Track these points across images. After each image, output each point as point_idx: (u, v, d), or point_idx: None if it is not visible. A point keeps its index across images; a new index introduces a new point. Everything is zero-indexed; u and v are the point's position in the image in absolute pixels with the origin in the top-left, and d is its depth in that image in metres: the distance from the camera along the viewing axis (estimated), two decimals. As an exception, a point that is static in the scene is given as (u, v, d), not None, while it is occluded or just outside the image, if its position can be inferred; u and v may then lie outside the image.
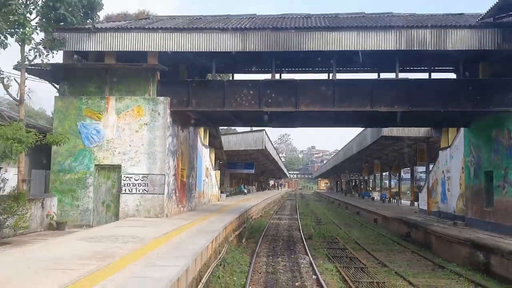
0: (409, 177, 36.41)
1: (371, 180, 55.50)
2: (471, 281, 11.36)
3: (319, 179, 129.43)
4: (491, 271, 12.13)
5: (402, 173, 43.62)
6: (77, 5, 12.61)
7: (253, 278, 10.71)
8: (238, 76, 18.43)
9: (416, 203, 29.39)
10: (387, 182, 44.45)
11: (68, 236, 9.85)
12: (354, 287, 10.15)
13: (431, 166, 24.38)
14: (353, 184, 67.84)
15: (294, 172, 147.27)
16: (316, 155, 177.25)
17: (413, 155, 29.00)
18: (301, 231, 21.27)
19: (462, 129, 18.14)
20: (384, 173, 46.74)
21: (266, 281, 10.67)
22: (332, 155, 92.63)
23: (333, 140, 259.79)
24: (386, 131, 22.82)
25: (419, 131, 22.78)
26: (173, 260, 7.21)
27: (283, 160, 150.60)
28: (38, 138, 10.76)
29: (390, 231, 22.77)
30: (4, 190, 11.21)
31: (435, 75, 18.65)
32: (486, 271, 12.26)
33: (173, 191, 15.46)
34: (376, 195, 45.67)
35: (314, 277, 11.17)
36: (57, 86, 15.20)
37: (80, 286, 5.33)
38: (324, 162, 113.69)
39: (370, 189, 53.09)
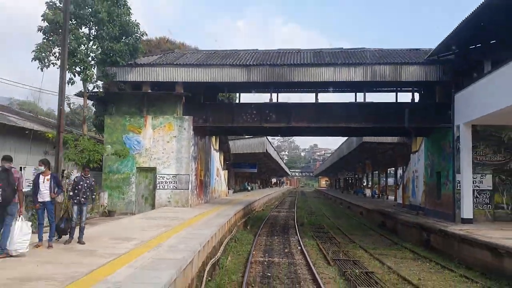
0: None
1: (364, 179, 60.01)
2: (411, 251, 15.85)
3: (319, 177, 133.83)
4: (430, 245, 16.62)
5: (392, 172, 48.09)
6: (126, 51, 17.22)
7: (256, 247, 15.33)
8: (243, 95, 22.93)
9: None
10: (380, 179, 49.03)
11: (133, 217, 14.52)
12: (325, 252, 14.73)
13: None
14: (349, 182, 72.32)
15: (296, 170, 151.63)
16: (318, 153, 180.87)
17: (395, 157, 33.52)
18: (296, 221, 25.85)
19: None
20: (376, 172, 51.21)
21: (265, 249, 15.29)
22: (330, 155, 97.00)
23: (336, 139, 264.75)
24: (367, 138, 27.35)
25: (394, 138, 27.28)
26: (207, 228, 11.81)
27: (285, 158, 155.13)
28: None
29: (370, 221, 27.31)
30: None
31: (402, 94, 23.10)
32: (427, 246, 16.77)
33: (195, 187, 20.12)
34: (368, 192, 50.22)
35: (299, 247, 15.76)
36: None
37: (165, 236, 9.93)
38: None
39: (363, 186, 57.60)
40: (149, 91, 19.10)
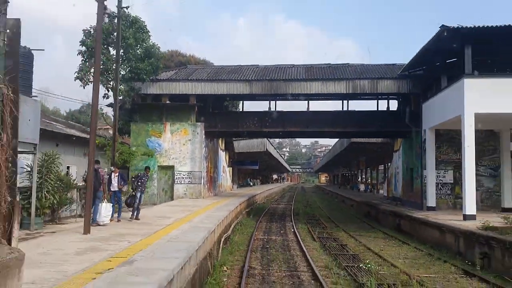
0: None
1: (360, 175, 63.69)
2: (384, 233, 19.54)
3: (319, 173, 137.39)
4: (401, 228, 20.34)
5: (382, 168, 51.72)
6: (149, 70, 20.92)
7: (258, 229, 19.09)
8: (246, 103, 26.70)
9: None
10: (375, 175, 52.67)
11: (159, 205, 18.28)
12: (313, 233, 18.46)
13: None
14: (346, 178, 76.05)
15: (297, 167, 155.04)
16: (319, 150, 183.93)
17: (383, 155, 37.20)
18: (292, 211, 29.60)
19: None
20: (368, 168, 54.91)
21: (265, 231, 19.06)
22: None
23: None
24: (355, 139, 31.07)
25: (379, 139, 30.98)
26: (220, 212, 15.54)
27: (287, 154, 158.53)
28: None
29: (359, 211, 31.03)
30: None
31: (383, 101, 26.81)
32: (398, 229, 20.47)
33: (206, 182, 23.88)
34: (362, 187, 53.93)
35: (292, 230, 19.51)
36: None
37: (191, 216, 13.65)
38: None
39: (357, 182, 61.35)
40: (168, 102, 22.82)
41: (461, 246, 13.80)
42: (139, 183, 12.42)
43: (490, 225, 13.19)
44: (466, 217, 15.78)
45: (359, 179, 62.26)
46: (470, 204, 15.99)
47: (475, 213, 15.85)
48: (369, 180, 51.79)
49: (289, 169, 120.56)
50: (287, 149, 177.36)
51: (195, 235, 9.57)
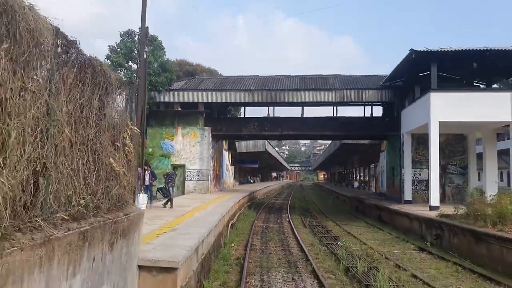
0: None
1: (355, 173, 66.98)
2: (366, 222, 22.81)
3: (318, 171, 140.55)
4: (381, 219, 23.63)
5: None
6: (165, 83, 24.18)
7: (258, 219, 22.40)
8: (247, 109, 30.01)
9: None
10: (367, 173, 55.98)
11: (176, 198, 21.54)
12: (305, 222, 21.75)
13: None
14: (343, 175, 79.35)
15: (296, 165, 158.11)
16: (318, 148, 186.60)
17: (373, 155, 40.47)
18: (289, 206, 32.92)
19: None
20: (362, 167, 58.17)
21: (264, 220, 22.37)
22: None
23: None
24: (345, 140, 34.36)
25: (366, 141, 34.29)
26: (227, 202, 18.84)
27: (286, 152, 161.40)
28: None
29: (349, 206, 34.33)
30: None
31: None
32: (379, 219, 23.76)
33: (213, 179, 27.16)
34: (356, 184, 57.28)
35: (287, 220, 22.81)
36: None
37: (205, 206, 16.93)
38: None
39: (352, 179, 64.68)
40: (179, 108, 26.09)
41: (423, 230, 17.10)
42: (169, 180, 15.76)
43: (445, 213, 16.49)
44: (431, 208, 19.02)
45: (354, 177, 65.57)
46: (434, 197, 19.26)
47: (438, 205, 19.08)
48: (362, 178, 55.12)
49: (288, 167, 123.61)
50: (287, 147, 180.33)
51: (212, 217, 12.86)
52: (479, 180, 26.72)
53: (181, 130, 26.09)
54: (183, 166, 25.98)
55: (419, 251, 14.37)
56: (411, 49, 18.92)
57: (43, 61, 3.48)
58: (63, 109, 3.83)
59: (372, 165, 54.40)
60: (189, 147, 26.06)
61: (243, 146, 40.68)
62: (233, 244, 14.27)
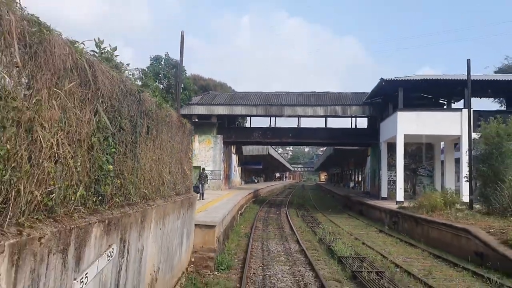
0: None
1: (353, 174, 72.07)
2: (349, 215, 28.06)
3: (320, 172, 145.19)
4: (362, 213, 28.83)
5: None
6: (185, 99, 29.57)
7: (261, 211, 27.74)
8: (253, 119, 35.39)
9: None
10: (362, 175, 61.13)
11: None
12: (298, 214, 27.04)
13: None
14: (341, 176, 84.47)
15: (299, 166, 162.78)
16: (321, 149, 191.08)
17: (363, 158, 45.66)
18: (288, 202, 38.21)
19: (370, 147, 34.88)
20: (356, 169, 63.28)
21: (266, 211, 27.73)
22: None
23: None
24: (337, 146, 39.65)
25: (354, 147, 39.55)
26: (237, 197, 24.16)
27: (290, 153, 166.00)
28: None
29: (341, 203, 39.56)
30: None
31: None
32: (361, 213, 28.96)
33: (223, 178, 32.53)
34: (351, 184, 62.45)
35: (284, 212, 28.10)
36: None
37: (220, 199, 22.26)
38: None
39: (348, 180, 69.82)
40: (196, 120, 31.49)
41: (387, 219, 22.36)
42: (200, 178, 21.11)
43: (403, 206, 21.74)
44: (397, 203, 24.24)
45: (350, 178, 70.73)
46: (399, 194, 24.52)
47: (403, 200, 24.30)
48: (357, 179, 60.30)
49: (291, 168, 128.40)
50: (291, 148, 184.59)
51: (227, 205, 18.23)
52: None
53: (198, 138, 31.45)
54: (199, 167, 31.27)
55: (379, 232, 19.61)
56: (381, 78, 24.19)
57: (181, 132, 8.82)
58: (178, 147, 9.18)
59: (364, 167, 59.76)
60: (204, 151, 31.42)
61: (249, 150, 46.08)
62: (242, 226, 19.62)
